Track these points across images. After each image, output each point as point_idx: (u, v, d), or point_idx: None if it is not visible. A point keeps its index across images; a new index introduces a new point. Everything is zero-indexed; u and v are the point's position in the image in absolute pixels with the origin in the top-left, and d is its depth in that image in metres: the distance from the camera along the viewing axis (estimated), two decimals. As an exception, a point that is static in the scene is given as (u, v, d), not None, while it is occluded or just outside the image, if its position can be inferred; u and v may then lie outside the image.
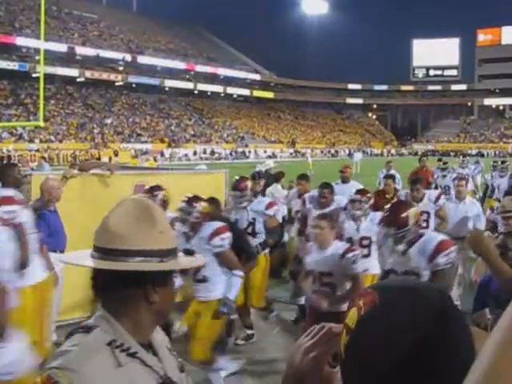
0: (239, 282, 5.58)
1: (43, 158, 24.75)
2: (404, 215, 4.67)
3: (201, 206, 5.60)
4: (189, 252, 1.82)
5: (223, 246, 5.45)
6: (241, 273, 5.56)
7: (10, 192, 5.54)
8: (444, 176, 13.94)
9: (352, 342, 1.00)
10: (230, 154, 67.81)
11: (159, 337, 1.77)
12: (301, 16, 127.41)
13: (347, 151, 80.00)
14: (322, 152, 79.42)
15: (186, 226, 5.55)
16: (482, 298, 4.43)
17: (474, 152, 74.75)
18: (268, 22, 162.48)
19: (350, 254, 5.19)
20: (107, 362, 1.54)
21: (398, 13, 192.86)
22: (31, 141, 53.78)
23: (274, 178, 11.03)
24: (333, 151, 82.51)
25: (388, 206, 5.19)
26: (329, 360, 1.17)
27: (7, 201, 5.39)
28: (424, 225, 7.60)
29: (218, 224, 5.57)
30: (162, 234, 1.65)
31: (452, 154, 77.57)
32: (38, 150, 48.22)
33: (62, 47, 69.59)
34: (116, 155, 52.81)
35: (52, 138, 56.88)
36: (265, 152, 70.26)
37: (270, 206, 7.44)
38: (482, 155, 75.18)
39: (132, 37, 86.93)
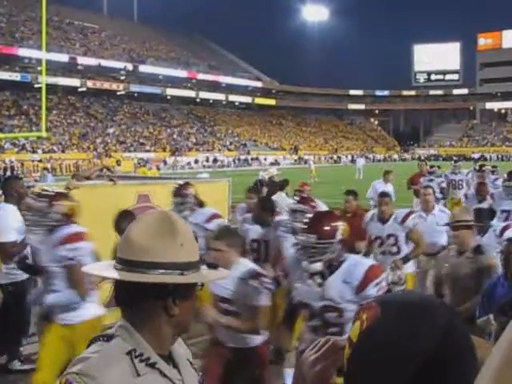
0: None
1: (46, 169, 24.79)
2: (332, 225, 3.75)
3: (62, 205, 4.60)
4: (212, 265, 1.78)
5: (73, 259, 4.45)
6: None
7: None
8: (431, 180, 12.78)
9: (354, 355, 1.01)
10: (233, 161, 67.90)
11: (181, 349, 1.77)
12: (302, 23, 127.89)
13: (350, 157, 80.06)
14: (324, 158, 79.46)
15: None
16: (486, 304, 4.42)
17: (476, 156, 74.64)
18: (269, 30, 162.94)
19: (256, 281, 4.06)
20: (126, 370, 1.54)
21: (398, 18, 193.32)
22: (34, 151, 53.92)
23: (278, 185, 10.83)
24: (335, 157, 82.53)
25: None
26: (334, 373, 1.18)
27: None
28: (394, 250, 6.85)
29: (74, 229, 4.64)
30: (183, 246, 1.65)
31: (455, 158, 77.58)
32: (40, 161, 48.26)
33: (63, 57, 69.77)
34: (119, 164, 52.83)
35: (55, 148, 56.99)
36: (265, 159, 70.25)
37: (211, 218, 6.50)
38: (485, 159, 75.07)
39: (133, 46, 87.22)
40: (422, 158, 78.71)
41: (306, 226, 3.81)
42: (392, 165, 49.78)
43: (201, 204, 6.79)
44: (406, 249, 6.80)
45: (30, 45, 65.35)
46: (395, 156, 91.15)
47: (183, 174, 43.89)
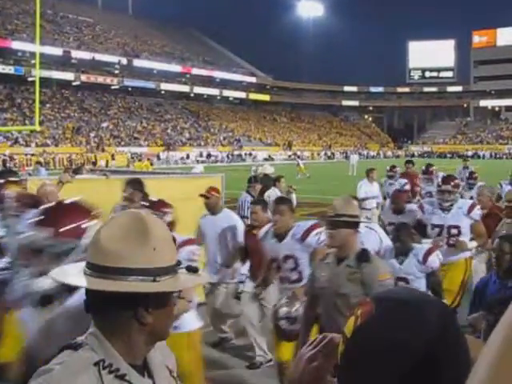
0: None
1: (39, 162, 24.64)
2: (74, 223, 2.61)
3: None
4: (192, 269, 1.63)
5: None
6: None
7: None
8: (391, 184, 11.40)
9: (347, 351, 1.01)
10: (227, 156, 67.80)
11: (159, 356, 1.66)
12: (296, 19, 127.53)
13: (344, 153, 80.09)
14: (318, 154, 79.47)
15: None
16: (478, 302, 4.43)
17: (470, 153, 74.89)
18: (264, 25, 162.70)
19: None
20: (91, 383, 1.44)
21: (393, 15, 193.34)
22: (27, 145, 53.73)
23: (271, 182, 10.63)
24: (329, 153, 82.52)
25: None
26: (331, 369, 1.18)
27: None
28: (294, 277, 5.39)
29: None
30: (157, 250, 1.52)
31: (449, 155, 77.84)
32: (33, 155, 48.09)
33: (57, 51, 69.43)
34: (113, 159, 52.83)
35: (48, 141, 56.78)
36: (256, 156, 70.06)
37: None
38: (479, 157, 75.40)
39: (127, 40, 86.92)
40: (417, 154, 79.04)
41: (39, 221, 2.60)
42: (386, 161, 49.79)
43: (35, 203, 4.56)
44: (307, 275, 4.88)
45: (23, 38, 65.00)
46: (389, 153, 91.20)
47: (177, 168, 43.88)
